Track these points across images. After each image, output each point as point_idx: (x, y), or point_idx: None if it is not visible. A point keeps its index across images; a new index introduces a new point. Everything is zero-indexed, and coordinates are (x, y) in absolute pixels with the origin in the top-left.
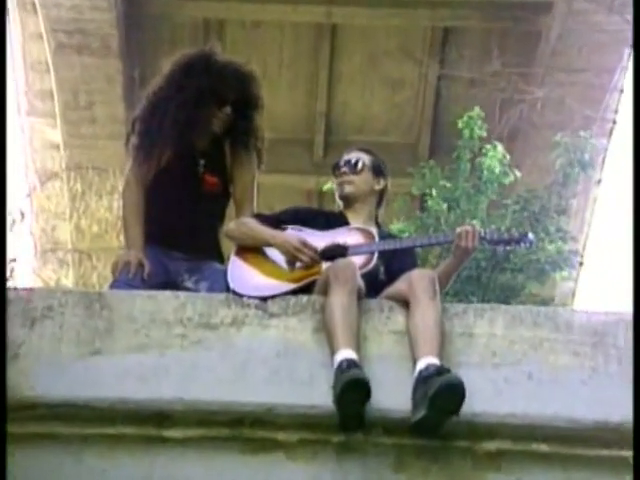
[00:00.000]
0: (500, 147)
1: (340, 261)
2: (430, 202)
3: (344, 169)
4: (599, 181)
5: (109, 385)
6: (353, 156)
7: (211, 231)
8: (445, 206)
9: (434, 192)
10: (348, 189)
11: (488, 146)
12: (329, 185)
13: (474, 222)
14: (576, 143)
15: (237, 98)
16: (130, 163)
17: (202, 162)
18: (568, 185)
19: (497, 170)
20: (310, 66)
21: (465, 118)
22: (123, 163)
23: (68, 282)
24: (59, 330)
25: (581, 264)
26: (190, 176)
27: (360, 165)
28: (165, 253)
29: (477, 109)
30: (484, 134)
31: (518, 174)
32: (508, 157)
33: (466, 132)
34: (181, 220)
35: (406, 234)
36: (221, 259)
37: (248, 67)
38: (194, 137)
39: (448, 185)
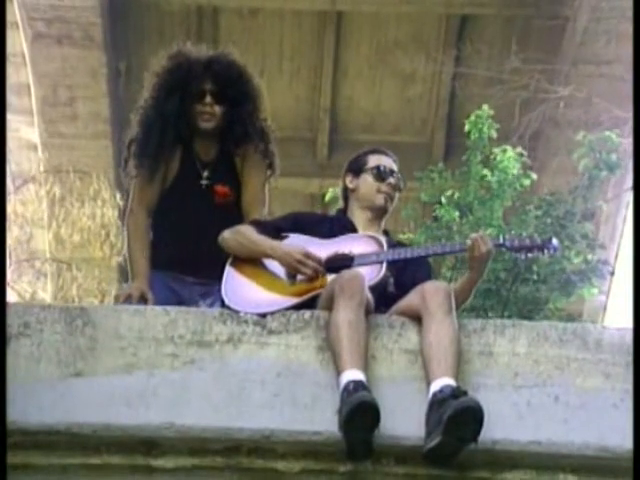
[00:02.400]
0: (513, 148)
1: (346, 272)
2: (441, 209)
3: (393, 181)
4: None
5: (92, 410)
6: (396, 168)
7: None
8: (457, 213)
9: (444, 199)
10: (389, 205)
11: (499, 148)
12: (331, 193)
13: (489, 230)
14: (601, 142)
15: (216, 87)
16: (132, 190)
17: (206, 174)
18: (594, 188)
19: (514, 172)
20: (313, 58)
21: (473, 118)
22: (107, 165)
23: (46, 295)
24: (37, 349)
25: (611, 274)
26: (197, 190)
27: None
28: (176, 278)
29: (485, 107)
30: (494, 134)
31: (534, 176)
32: (525, 155)
33: (474, 133)
34: (193, 241)
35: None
36: None
37: (222, 52)
38: (181, 131)
39: (459, 191)
